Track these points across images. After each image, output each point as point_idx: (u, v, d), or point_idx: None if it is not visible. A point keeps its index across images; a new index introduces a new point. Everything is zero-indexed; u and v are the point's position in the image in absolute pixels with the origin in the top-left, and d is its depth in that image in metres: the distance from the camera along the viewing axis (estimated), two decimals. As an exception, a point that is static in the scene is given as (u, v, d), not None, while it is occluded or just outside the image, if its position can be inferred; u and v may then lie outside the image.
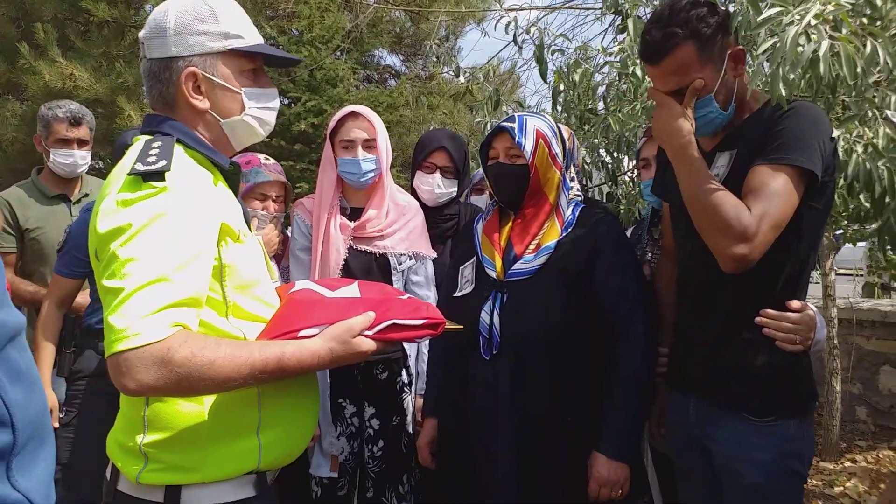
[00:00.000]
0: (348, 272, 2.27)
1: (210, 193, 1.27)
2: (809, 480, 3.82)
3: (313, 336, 1.27)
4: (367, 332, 1.30)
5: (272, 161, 2.47)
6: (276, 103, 1.45)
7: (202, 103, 1.34)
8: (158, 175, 1.17)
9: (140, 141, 1.30)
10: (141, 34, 1.35)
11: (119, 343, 1.07)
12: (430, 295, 2.37)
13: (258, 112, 1.40)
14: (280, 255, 2.45)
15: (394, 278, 2.31)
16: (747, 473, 1.60)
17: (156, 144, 1.24)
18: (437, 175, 2.51)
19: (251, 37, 1.38)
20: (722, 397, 1.65)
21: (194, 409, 1.25)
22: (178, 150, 1.28)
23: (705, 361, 1.68)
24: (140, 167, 1.18)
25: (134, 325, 1.07)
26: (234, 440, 1.27)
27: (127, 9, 7.01)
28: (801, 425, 1.62)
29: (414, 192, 2.59)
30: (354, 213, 2.36)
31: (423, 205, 2.54)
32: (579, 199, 2.02)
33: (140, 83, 7.16)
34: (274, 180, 2.39)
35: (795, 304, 1.60)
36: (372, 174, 2.32)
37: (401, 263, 2.33)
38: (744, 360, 1.61)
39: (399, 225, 2.36)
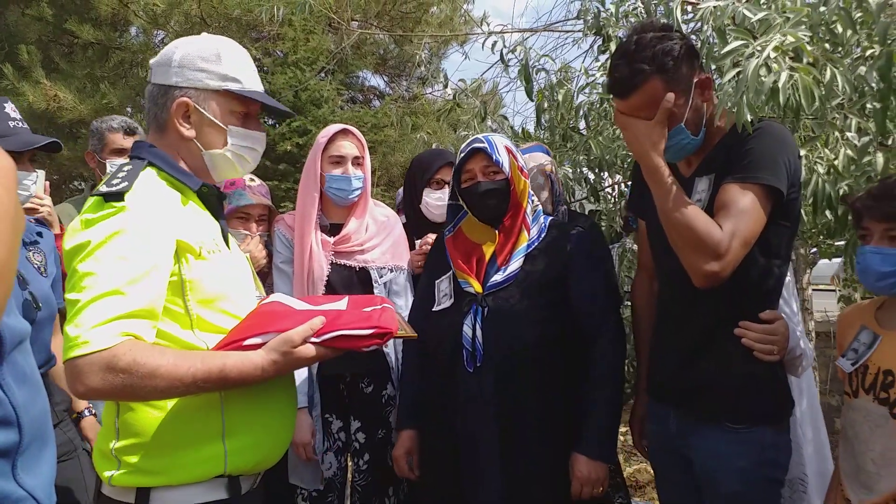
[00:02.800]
0: (330, 287, 2.31)
1: (173, 213, 1.35)
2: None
3: (257, 345, 1.31)
4: (313, 339, 1.34)
5: (258, 182, 2.49)
6: (261, 146, 1.55)
7: (188, 132, 1.44)
8: (118, 196, 1.27)
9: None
10: (152, 60, 1.48)
11: (72, 350, 1.16)
12: (407, 304, 2.40)
13: (239, 150, 1.49)
14: (267, 273, 2.47)
15: (375, 291, 2.34)
16: (726, 481, 1.64)
17: (125, 168, 1.35)
18: (447, 190, 2.51)
19: (250, 83, 1.49)
20: (701, 407, 1.69)
21: (160, 416, 1.32)
22: (151, 172, 1.39)
23: (684, 373, 1.72)
24: (103, 188, 1.29)
25: (85, 334, 1.16)
26: (199, 446, 1.33)
27: (112, 31, 7.03)
28: (778, 433, 1.67)
29: (417, 214, 2.61)
30: (334, 229, 2.39)
31: (431, 223, 2.56)
32: (540, 208, 2.08)
33: (125, 104, 7.20)
34: (256, 203, 2.41)
35: (768, 314, 1.65)
36: (359, 191, 2.36)
37: (382, 276, 2.37)
38: (721, 371, 1.65)
39: (379, 239, 2.40)
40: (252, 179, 2.47)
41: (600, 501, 1.93)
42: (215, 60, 1.44)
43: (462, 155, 2.02)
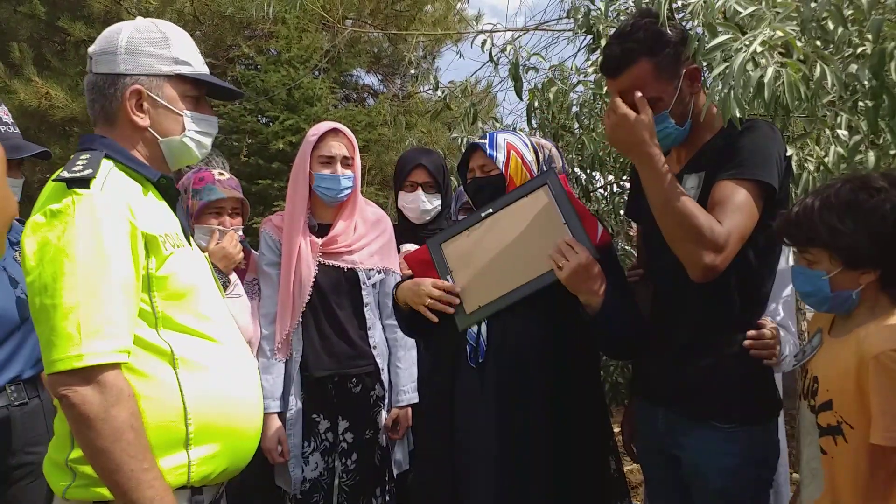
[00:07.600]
0: (317, 288, 2.30)
1: (137, 204, 1.31)
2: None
3: None
4: None
5: (227, 176, 2.43)
6: (215, 130, 1.51)
7: (143, 121, 1.39)
8: (84, 182, 1.24)
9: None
10: (91, 49, 1.41)
11: (66, 362, 1.17)
12: None
13: (196, 135, 1.46)
14: (244, 270, 2.44)
15: (363, 292, 2.34)
16: (714, 479, 1.64)
17: (83, 157, 1.30)
18: (420, 192, 2.57)
19: (198, 66, 1.45)
20: (690, 406, 1.69)
21: None
22: (108, 164, 1.33)
23: (675, 372, 1.71)
24: (65, 174, 1.25)
25: (80, 346, 1.18)
26: (161, 455, 1.25)
27: (104, 28, 6.99)
28: (766, 431, 1.68)
29: (400, 214, 2.65)
30: (322, 230, 2.38)
31: (411, 223, 2.59)
32: None
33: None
34: (228, 197, 2.34)
35: (764, 321, 1.67)
36: (348, 191, 2.36)
37: (370, 278, 2.36)
38: (712, 371, 1.66)
39: (368, 240, 2.39)
40: (221, 174, 2.41)
41: None
42: (163, 44, 1.39)
43: (465, 153, 2.05)
